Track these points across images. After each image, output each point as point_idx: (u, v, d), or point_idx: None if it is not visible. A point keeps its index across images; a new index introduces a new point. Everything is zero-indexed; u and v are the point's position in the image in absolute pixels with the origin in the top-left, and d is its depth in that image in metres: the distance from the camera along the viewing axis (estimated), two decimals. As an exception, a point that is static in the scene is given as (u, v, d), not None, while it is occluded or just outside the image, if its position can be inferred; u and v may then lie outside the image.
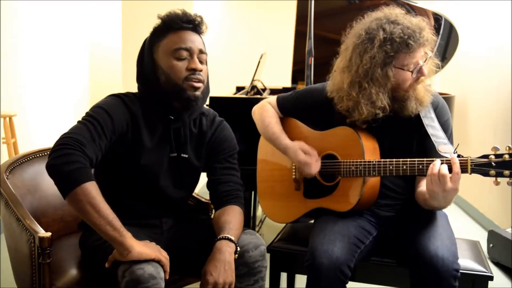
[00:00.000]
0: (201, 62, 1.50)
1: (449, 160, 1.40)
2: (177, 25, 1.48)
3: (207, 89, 1.55)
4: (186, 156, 1.55)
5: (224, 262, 1.37)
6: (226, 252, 1.39)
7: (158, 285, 1.27)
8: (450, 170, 1.39)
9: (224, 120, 1.68)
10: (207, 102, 2.46)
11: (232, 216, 1.52)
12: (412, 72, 1.52)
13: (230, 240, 1.42)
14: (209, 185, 1.63)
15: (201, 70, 1.48)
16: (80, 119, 1.42)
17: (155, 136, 1.50)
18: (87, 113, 1.43)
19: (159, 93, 1.49)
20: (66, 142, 1.30)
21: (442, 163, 1.40)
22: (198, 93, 1.48)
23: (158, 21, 1.52)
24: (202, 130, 1.60)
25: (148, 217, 1.56)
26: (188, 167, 1.58)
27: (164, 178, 1.53)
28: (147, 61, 1.50)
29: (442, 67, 3.29)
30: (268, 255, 1.71)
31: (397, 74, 1.52)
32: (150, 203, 1.55)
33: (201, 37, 1.53)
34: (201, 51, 1.50)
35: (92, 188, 1.28)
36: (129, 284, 1.25)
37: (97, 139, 1.36)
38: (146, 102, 1.51)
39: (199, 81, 1.48)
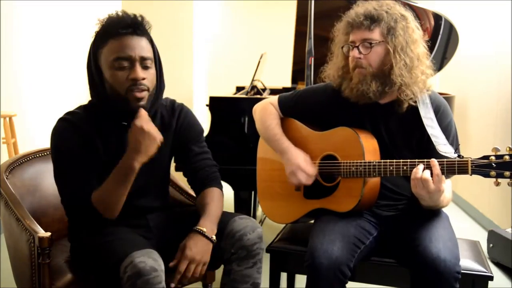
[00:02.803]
0: (145, 67, 1.45)
1: (429, 163, 1.44)
2: (115, 30, 1.43)
3: (159, 90, 1.53)
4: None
5: (208, 244, 1.45)
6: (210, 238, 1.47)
7: (160, 277, 1.31)
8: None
9: (184, 105, 1.68)
10: (207, 102, 2.46)
11: (212, 198, 1.58)
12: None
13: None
14: (185, 173, 1.67)
15: (143, 79, 1.44)
16: (56, 173, 1.49)
17: (111, 148, 1.50)
18: (54, 166, 1.50)
19: (108, 101, 1.48)
20: (76, 205, 1.46)
21: (424, 168, 1.44)
22: (142, 102, 1.45)
23: (99, 25, 1.48)
24: (164, 122, 1.60)
25: (133, 217, 1.56)
26: (152, 163, 1.54)
27: (131, 190, 1.50)
28: (93, 68, 1.48)
29: (442, 67, 3.29)
30: (268, 255, 1.71)
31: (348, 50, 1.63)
32: (128, 207, 1.52)
33: (146, 38, 1.47)
34: (143, 58, 1.44)
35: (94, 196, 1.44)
36: (131, 278, 1.28)
37: (83, 175, 1.45)
38: (99, 111, 1.51)
39: (142, 90, 1.44)
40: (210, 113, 2.44)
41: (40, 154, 1.83)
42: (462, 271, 1.46)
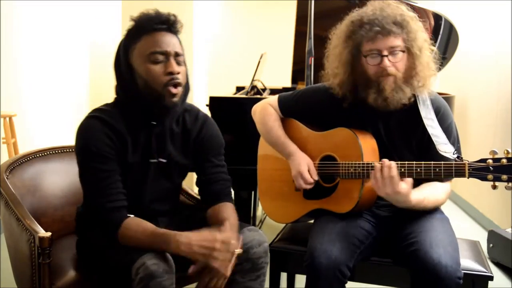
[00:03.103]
0: (178, 63, 1.46)
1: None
2: (150, 26, 1.44)
3: (186, 89, 1.53)
4: (165, 161, 1.53)
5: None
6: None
7: (171, 280, 1.32)
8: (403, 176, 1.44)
9: (209, 116, 1.67)
10: (207, 102, 2.46)
11: (230, 213, 1.55)
12: (366, 57, 1.55)
13: None
14: (199, 183, 1.65)
15: (178, 73, 1.45)
16: (83, 174, 1.44)
17: (138, 149, 1.49)
18: (81, 166, 1.45)
19: (138, 99, 1.46)
20: (107, 220, 1.40)
21: (380, 170, 1.44)
22: (176, 99, 1.45)
23: (131, 23, 1.47)
24: (186, 128, 1.59)
25: (144, 219, 1.55)
26: (175, 167, 1.57)
27: (149, 192, 1.53)
28: (124, 66, 1.46)
29: (442, 67, 3.29)
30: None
31: (361, 59, 1.58)
32: (141, 209, 1.53)
33: (177, 37, 1.49)
34: (177, 54, 1.46)
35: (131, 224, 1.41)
36: (143, 280, 1.28)
37: (111, 183, 1.41)
38: (127, 110, 1.49)
39: (177, 85, 1.45)
40: (210, 113, 2.44)
41: (40, 154, 1.83)
42: (462, 271, 1.45)
